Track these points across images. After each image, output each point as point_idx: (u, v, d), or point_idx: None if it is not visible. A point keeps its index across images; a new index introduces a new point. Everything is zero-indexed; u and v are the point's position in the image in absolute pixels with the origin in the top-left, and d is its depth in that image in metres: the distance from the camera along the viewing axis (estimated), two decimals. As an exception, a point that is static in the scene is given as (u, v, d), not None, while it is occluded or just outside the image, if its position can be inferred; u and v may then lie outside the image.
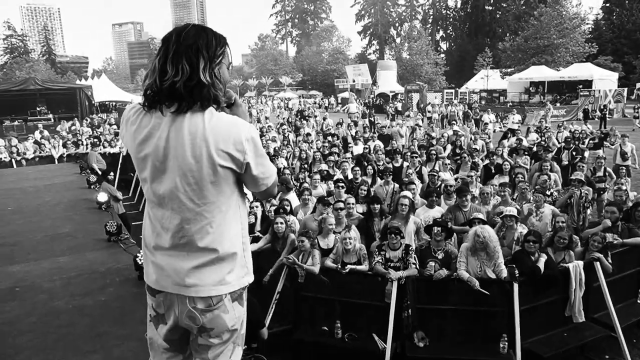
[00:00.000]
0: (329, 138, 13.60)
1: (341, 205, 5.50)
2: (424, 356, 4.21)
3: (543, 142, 11.48)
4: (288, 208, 5.95)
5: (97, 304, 4.86)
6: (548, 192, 6.66)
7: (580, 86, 29.04)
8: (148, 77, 1.68)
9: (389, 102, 35.09)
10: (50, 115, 23.47)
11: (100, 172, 11.19)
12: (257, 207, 6.16)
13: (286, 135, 14.66)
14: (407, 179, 7.29)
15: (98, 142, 15.04)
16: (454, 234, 5.38)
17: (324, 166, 9.03)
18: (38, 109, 23.72)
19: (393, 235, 4.63)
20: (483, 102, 33.35)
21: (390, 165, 8.54)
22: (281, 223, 5.13)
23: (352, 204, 5.79)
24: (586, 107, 25.86)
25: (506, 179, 7.67)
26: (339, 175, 8.15)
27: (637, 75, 43.28)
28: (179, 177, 1.69)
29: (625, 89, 31.08)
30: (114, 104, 32.18)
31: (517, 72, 36.70)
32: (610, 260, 4.63)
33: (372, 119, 23.32)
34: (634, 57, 45.23)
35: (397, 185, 7.18)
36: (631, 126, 20.35)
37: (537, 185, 6.92)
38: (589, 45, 38.44)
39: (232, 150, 1.67)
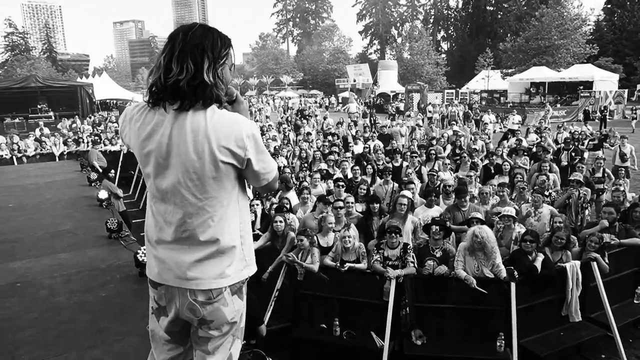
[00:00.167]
0: (329, 137, 13.63)
1: (341, 204, 5.53)
2: (422, 354, 4.23)
3: (542, 143, 11.52)
4: (288, 206, 5.99)
5: (98, 300, 4.89)
6: (546, 193, 6.69)
7: (581, 87, 29.07)
8: (153, 73, 1.73)
9: (390, 102, 35.13)
10: (51, 113, 23.51)
11: (101, 170, 11.22)
12: (257, 205, 6.19)
13: (286, 134, 14.70)
14: (406, 179, 7.32)
15: (99, 140, 15.08)
16: (452, 233, 5.42)
17: (323, 165, 9.06)
18: (39, 106, 23.75)
19: (393, 235, 4.66)
20: (483, 103, 33.38)
21: (389, 165, 8.58)
22: (280, 221, 5.16)
23: (352, 202, 5.82)
24: (587, 108, 25.89)
25: (506, 179, 7.70)
26: (338, 174, 8.18)
27: (638, 76, 43.30)
28: (182, 172, 1.73)
29: (626, 91, 31.13)
30: (114, 102, 32.26)
31: (518, 72, 36.71)
32: (607, 261, 4.66)
33: (373, 118, 23.35)
34: (635, 59, 45.26)
35: (396, 185, 7.21)
36: (630, 127, 20.37)
37: (535, 185, 6.96)
38: (590, 46, 38.43)
39: (234, 146, 1.71)
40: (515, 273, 4.34)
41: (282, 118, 22.92)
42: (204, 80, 1.67)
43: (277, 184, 2.05)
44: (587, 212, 6.61)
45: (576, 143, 11.14)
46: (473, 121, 21.32)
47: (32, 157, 15.12)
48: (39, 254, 6.37)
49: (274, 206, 6.34)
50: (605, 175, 8.38)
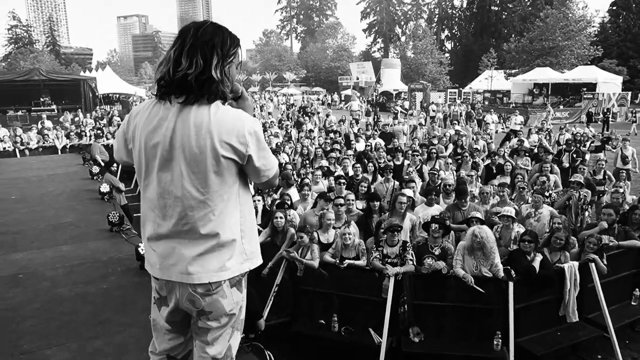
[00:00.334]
0: (331, 135, 13.66)
1: (341, 201, 5.56)
2: (419, 351, 4.27)
3: (542, 144, 11.52)
4: (289, 203, 6.02)
5: (100, 292, 4.93)
6: (547, 194, 6.71)
7: (584, 89, 29.02)
8: (162, 66, 1.77)
9: (393, 100, 35.07)
10: (54, 106, 23.54)
11: (103, 163, 11.27)
12: (258, 201, 6.23)
13: (288, 131, 14.72)
14: (407, 177, 7.35)
15: (101, 134, 15.13)
16: (452, 231, 5.45)
17: (325, 162, 9.09)
18: (42, 99, 23.79)
19: (395, 233, 4.69)
20: (486, 103, 33.33)
21: (391, 163, 8.61)
22: (281, 217, 5.19)
23: (352, 200, 5.85)
24: (590, 110, 25.84)
25: (507, 179, 7.72)
26: (339, 171, 8.21)
27: (641, 79, 43.14)
28: (184, 166, 1.76)
29: (630, 93, 31.05)
30: (117, 96, 32.25)
31: (522, 73, 36.62)
32: (605, 262, 4.68)
33: (377, 116, 23.34)
34: (639, 61, 45.07)
35: (397, 183, 7.24)
36: (631, 130, 20.33)
37: (536, 185, 6.97)
38: (594, 48, 38.32)
39: (235, 142, 1.75)
40: (513, 273, 4.37)
41: (282, 114, 22.92)
42: (211, 76, 1.71)
43: (278, 180, 2.09)
44: (587, 213, 6.62)
45: (578, 145, 11.13)
46: (475, 121, 21.32)
47: (34, 149, 15.19)
48: (41, 246, 6.41)
49: (276, 202, 6.38)
50: (606, 177, 8.38)
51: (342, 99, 44.16)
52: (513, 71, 39.92)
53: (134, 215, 8.57)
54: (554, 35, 38.13)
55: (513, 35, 48.25)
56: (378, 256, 4.62)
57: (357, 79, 46.23)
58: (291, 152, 10.79)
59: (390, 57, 65.48)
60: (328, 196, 5.93)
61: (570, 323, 4.59)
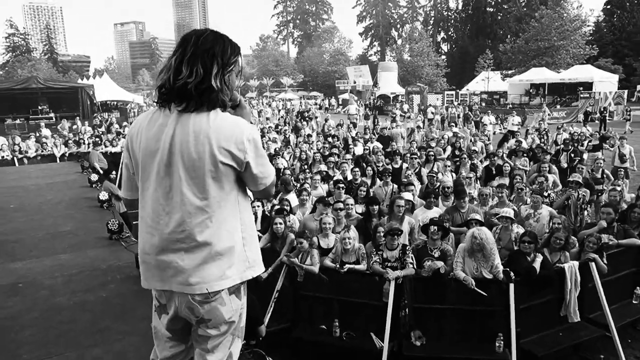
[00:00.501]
0: (330, 139, 13.67)
1: (340, 205, 5.56)
2: (421, 355, 4.25)
3: (542, 144, 11.55)
4: (288, 208, 6.01)
5: (98, 300, 4.92)
6: (545, 194, 6.71)
7: (581, 88, 29.08)
8: (163, 74, 1.78)
9: (390, 104, 35.12)
10: (52, 114, 23.53)
11: (101, 171, 11.27)
12: (257, 206, 6.22)
13: (287, 136, 14.73)
14: (406, 180, 7.34)
15: (99, 142, 15.12)
16: (451, 234, 5.44)
17: (323, 167, 9.09)
18: (40, 107, 23.79)
19: (395, 236, 4.68)
20: (483, 104, 33.40)
21: (389, 167, 8.60)
22: (280, 223, 5.18)
23: (351, 204, 5.85)
24: (587, 109, 25.90)
25: (507, 180, 7.73)
26: (338, 176, 8.21)
27: (637, 77, 43.33)
28: (183, 171, 1.77)
29: (626, 91, 31.12)
30: (115, 103, 32.26)
31: (518, 74, 36.72)
32: (605, 261, 4.68)
33: (376, 120, 23.38)
34: (634, 59, 45.30)
35: (396, 186, 7.24)
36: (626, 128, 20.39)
37: (534, 184, 6.98)
38: (590, 47, 38.46)
39: (234, 148, 1.75)
40: (512, 274, 4.36)
41: (279, 119, 22.94)
42: (211, 85, 1.73)
43: (274, 189, 2.09)
44: (586, 213, 6.63)
45: (575, 144, 11.16)
46: (473, 122, 21.35)
47: (33, 158, 15.17)
48: (40, 255, 6.40)
49: (275, 208, 6.37)
50: (605, 176, 8.39)
51: (340, 103, 44.20)
52: (509, 72, 40.03)
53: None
54: (550, 35, 38.28)
55: (509, 36, 48.51)
56: (378, 260, 4.61)
57: (354, 82, 46.28)
58: (290, 157, 10.78)
59: (387, 60, 65.63)
60: (327, 201, 5.92)
61: (571, 323, 4.57)
